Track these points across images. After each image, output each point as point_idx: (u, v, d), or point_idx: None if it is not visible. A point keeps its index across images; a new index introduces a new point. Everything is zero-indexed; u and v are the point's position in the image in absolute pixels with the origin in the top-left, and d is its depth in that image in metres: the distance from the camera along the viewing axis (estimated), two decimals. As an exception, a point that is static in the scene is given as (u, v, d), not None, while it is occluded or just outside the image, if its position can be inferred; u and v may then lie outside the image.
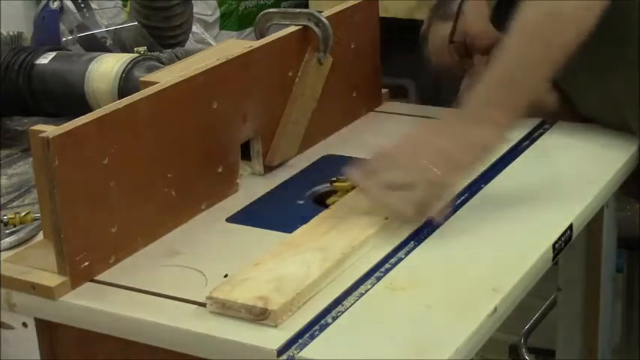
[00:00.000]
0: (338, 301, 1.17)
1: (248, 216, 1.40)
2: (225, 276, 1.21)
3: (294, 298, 1.15)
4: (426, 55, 1.93)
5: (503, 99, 1.35)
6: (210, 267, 1.25)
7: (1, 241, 1.32)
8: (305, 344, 1.09)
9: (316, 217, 1.33)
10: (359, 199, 1.36)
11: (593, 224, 1.54)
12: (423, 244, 1.30)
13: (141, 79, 1.49)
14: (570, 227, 1.34)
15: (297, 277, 1.18)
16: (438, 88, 2.35)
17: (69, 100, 1.65)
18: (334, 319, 1.14)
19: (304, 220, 1.33)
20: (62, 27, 1.90)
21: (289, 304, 1.14)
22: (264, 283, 1.17)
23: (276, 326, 1.12)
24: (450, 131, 1.35)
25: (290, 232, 1.31)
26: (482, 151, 1.35)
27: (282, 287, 1.16)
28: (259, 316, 1.12)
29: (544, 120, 1.65)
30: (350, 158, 1.57)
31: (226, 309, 1.14)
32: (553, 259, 1.30)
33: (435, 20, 1.89)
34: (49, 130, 1.19)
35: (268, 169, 1.54)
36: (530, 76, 1.36)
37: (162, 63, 1.67)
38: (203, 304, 1.17)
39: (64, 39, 1.88)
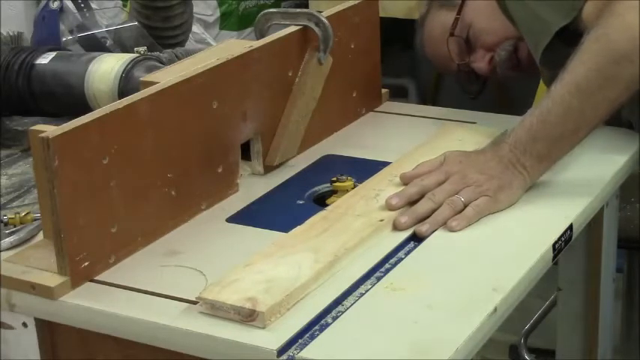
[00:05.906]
0: (338, 301, 1.17)
1: (248, 216, 1.40)
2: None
3: (284, 300, 1.14)
4: (419, 43, 1.90)
5: (544, 152, 1.38)
6: (210, 267, 1.25)
7: (1, 241, 1.32)
8: (305, 344, 1.09)
9: (310, 219, 1.33)
10: (354, 201, 1.36)
11: (593, 224, 1.54)
12: (423, 244, 1.30)
13: (141, 79, 1.49)
14: (570, 227, 1.34)
15: (288, 279, 1.18)
16: (438, 88, 2.34)
17: (69, 100, 1.65)
18: (334, 319, 1.14)
19: (304, 220, 1.33)
20: (62, 27, 1.90)
21: (278, 305, 1.13)
22: (254, 284, 1.16)
23: (264, 327, 1.11)
24: (485, 166, 1.37)
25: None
26: (505, 194, 1.37)
27: (271, 288, 1.15)
28: (248, 317, 1.12)
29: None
30: (350, 158, 1.58)
31: (216, 310, 1.14)
32: (553, 259, 1.30)
33: (435, 6, 1.85)
34: (49, 130, 1.19)
35: (268, 169, 1.54)
36: (576, 135, 1.39)
37: (162, 63, 1.67)
38: (203, 304, 1.17)
39: (64, 39, 1.88)
